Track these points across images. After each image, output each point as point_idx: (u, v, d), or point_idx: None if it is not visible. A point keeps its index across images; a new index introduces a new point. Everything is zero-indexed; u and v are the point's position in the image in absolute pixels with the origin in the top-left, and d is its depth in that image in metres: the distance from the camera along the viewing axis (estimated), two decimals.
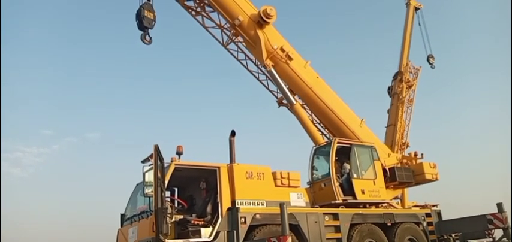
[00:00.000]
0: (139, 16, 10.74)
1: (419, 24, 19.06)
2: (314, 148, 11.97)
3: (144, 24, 10.74)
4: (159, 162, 7.63)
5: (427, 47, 19.18)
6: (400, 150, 15.48)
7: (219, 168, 9.04)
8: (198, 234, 8.16)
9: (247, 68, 13.44)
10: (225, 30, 12.59)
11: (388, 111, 16.74)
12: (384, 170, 12.25)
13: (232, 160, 9.46)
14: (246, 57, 13.24)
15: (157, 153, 7.63)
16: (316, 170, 11.66)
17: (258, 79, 13.67)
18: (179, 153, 8.72)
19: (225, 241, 8.33)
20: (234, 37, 12.65)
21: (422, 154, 13.94)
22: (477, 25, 43.27)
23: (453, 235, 12.43)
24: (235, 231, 8.36)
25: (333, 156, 10.96)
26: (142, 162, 8.59)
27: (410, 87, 16.99)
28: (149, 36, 10.94)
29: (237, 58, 13.19)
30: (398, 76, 17.10)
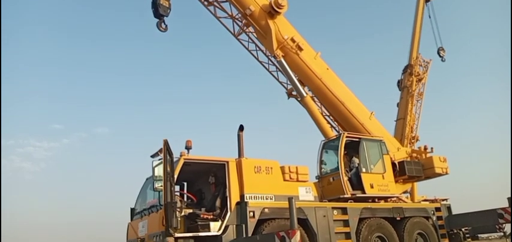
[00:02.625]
0: (155, 4, 10.82)
1: (430, 17, 18.79)
2: (323, 142, 11.96)
3: (159, 12, 10.82)
4: (168, 157, 7.70)
5: (438, 39, 18.92)
6: (409, 143, 15.36)
7: (227, 162, 9.07)
8: (207, 228, 8.22)
9: (257, 59, 13.49)
10: (236, 20, 12.66)
11: (398, 105, 16.60)
12: (393, 164, 12.20)
13: (240, 154, 9.48)
14: (257, 48, 13.31)
15: (167, 148, 7.69)
16: (325, 164, 11.65)
17: (268, 70, 13.70)
18: (188, 148, 8.79)
19: (234, 234, 8.38)
20: (245, 27, 12.71)
21: (432, 148, 13.85)
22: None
23: (463, 230, 12.32)
24: (244, 225, 8.41)
25: (341, 150, 10.93)
26: (152, 156, 8.68)
27: (420, 80, 16.81)
28: (165, 24, 11.05)
29: (247, 48, 13.25)
30: (408, 70, 16.91)
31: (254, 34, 12.80)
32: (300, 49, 12.14)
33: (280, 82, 13.77)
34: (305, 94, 12.46)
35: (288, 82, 13.23)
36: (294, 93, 13.20)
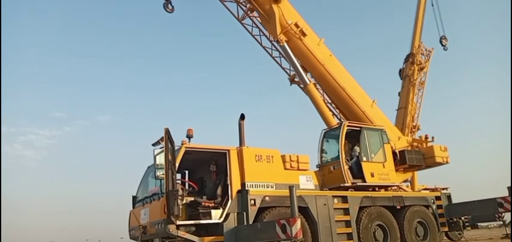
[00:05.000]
0: None
1: (432, 5, 18.59)
2: (324, 131, 11.98)
3: None
4: (169, 145, 7.73)
5: (440, 28, 18.73)
6: (410, 133, 15.37)
7: (228, 151, 9.10)
8: (208, 216, 8.28)
9: (261, 44, 13.56)
10: (241, 4, 12.74)
11: (399, 94, 16.57)
12: (394, 153, 12.22)
13: (241, 143, 9.51)
14: (260, 33, 13.39)
15: (168, 136, 7.72)
16: (326, 153, 11.68)
17: (271, 55, 13.74)
18: (189, 136, 8.80)
19: (235, 222, 8.46)
20: (249, 12, 12.82)
21: (433, 137, 13.88)
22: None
23: (463, 218, 12.39)
24: (245, 213, 8.48)
25: (342, 139, 10.95)
26: (153, 145, 8.71)
27: (421, 69, 16.74)
28: (171, 4, 11.17)
29: (251, 33, 13.31)
30: (409, 58, 16.83)
31: (258, 19, 12.91)
32: (304, 34, 12.18)
33: (283, 68, 13.83)
34: (308, 82, 12.49)
35: (291, 69, 13.28)
36: (297, 79, 13.25)
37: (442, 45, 18.75)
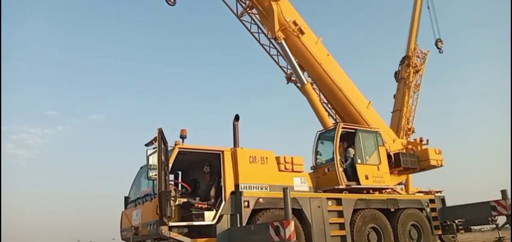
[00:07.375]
0: None
1: (428, 8, 18.68)
2: (318, 133, 11.95)
3: None
4: (162, 146, 7.64)
5: (436, 31, 18.83)
6: (405, 135, 15.42)
7: (222, 152, 9.02)
8: (201, 217, 8.20)
9: (259, 41, 13.65)
10: (240, 1, 12.80)
11: (394, 96, 16.60)
12: (389, 155, 12.21)
13: (236, 144, 9.45)
14: (259, 30, 13.47)
15: (161, 137, 7.64)
16: (320, 155, 11.66)
17: (268, 53, 13.82)
18: (183, 137, 8.72)
19: (228, 224, 8.38)
20: (248, 9, 12.87)
21: (427, 140, 13.89)
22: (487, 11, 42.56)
23: (456, 221, 12.40)
24: (238, 214, 8.40)
25: (337, 141, 10.92)
26: (146, 145, 8.61)
27: (417, 72, 16.81)
28: None
29: (249, 30, 13.40)
30: (405, 61, 16.89)
31: (257, 16, 13.00)
32: (302, 33, 12.25)
33: (280, 67, 13.93)
34: (306, 82, 12.50)
35: (288, 67, 13.32)
36: (293, 78, 13.34)
37: (438, 48, 18.85)
